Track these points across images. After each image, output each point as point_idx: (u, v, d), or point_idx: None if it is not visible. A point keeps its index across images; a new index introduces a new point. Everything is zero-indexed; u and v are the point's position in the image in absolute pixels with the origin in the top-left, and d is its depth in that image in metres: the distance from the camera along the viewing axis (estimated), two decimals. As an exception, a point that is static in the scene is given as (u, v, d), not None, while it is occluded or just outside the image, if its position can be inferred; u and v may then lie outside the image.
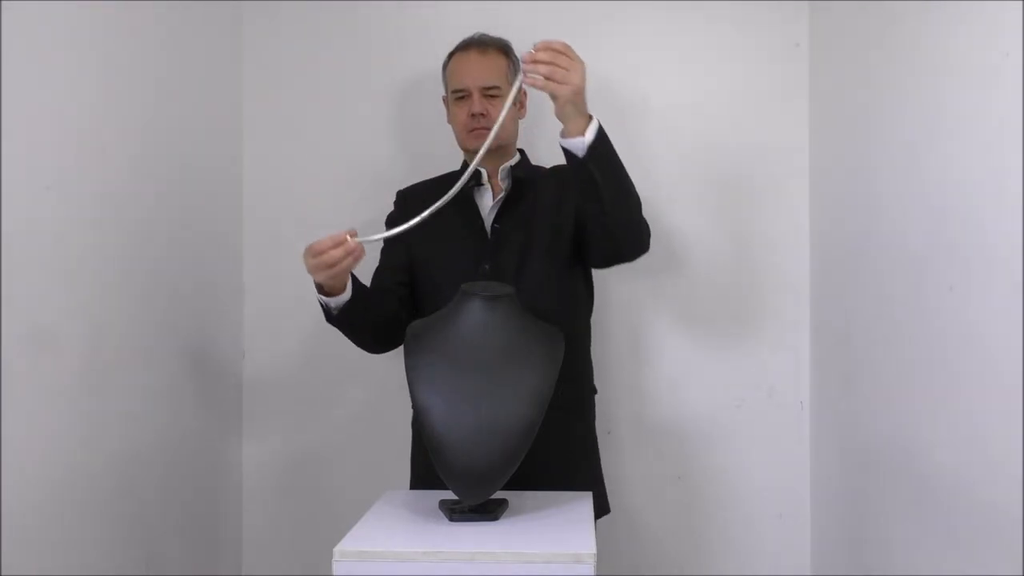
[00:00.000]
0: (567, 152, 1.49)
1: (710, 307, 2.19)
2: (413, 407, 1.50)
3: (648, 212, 1.70)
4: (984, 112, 1.38)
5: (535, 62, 1.42)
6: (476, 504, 1.38)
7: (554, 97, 1.44)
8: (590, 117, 1.48)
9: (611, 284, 2.13)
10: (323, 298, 1.55)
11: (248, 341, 2.23)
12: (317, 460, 2.22)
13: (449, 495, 1.42)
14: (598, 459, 1.79)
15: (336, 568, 1.23)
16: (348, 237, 1.43)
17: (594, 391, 1.82)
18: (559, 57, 1.42)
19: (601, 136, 1.48)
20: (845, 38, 1.98)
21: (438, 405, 1.39)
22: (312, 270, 1.46)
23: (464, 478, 1.36)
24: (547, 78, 1.41)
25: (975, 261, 1.41)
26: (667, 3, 2.18)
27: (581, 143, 1.46)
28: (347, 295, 1.54)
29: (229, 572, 2.15)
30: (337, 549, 1.24)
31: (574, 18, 2.18)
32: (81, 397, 1.54)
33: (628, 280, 2.16)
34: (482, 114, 1.70)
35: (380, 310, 1.65)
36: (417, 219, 1.43)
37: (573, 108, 1.45)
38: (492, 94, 1.72)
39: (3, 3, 1.33)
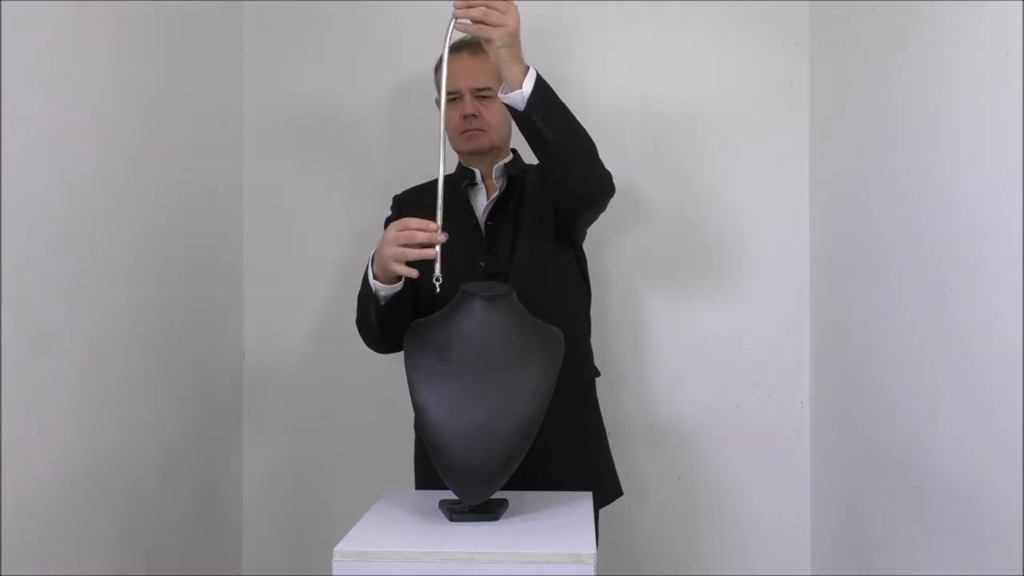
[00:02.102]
0: (511, 108, 1.49)
1: (710, 307, 2.19)
2: (413, 407, 1.50)
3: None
4: (984, 112, 1.38)
5: (468, 6, 1.41)
6: (476, 504, 1.38)
7: (487, 41, 1.43)
8: (527, 68, 1.47)
9: (612, 284, 2.13)
10: (376, 283, 1.53)
11: (248, 341, 2.23)
12: (317, 460, 2.22)
13: (450, 495, 1.42)
14: (606, 442, 1.79)
15: (336, 568, 1.23)
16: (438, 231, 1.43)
17: (596, 374, 1.82)
18: (496, 2, 1.41)
19: (540, 85, 1.47)
20: (845, 38, 1.98)
21: (438, 405, 1.39)
22: (392, 241, 1.44)
23: (464, 478, 1.36)
24: (480, 21, 1.41)
25: (975, 261, 1.41)
26: (667, 3, 2.18)
27: (520, 96, 1.46)
28: (399, 284, 1.53)
29: (229, 572, 2.15)
30: (337, 549, 1.24)
31: (573, 18, 2.18)
32: (81, 396, 1.55)
33: (629, 280, 2.16)
34: (474, 115, 1.70)
35: (412, 308, 1.65)
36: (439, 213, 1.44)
37: (507, 52, 1.44)
38: (484, 95, 1.72)
39: (3, 3, 1.33)
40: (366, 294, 1.56)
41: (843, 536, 1.99)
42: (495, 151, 1.76)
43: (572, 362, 1.58)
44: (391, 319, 1.57)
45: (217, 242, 2.12)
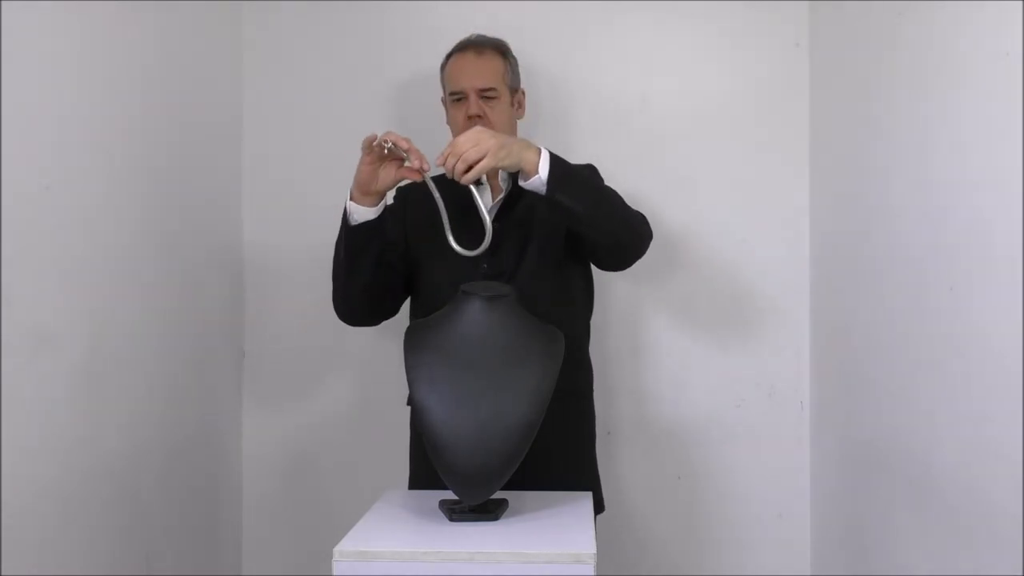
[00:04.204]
0: (535, 193, 1.51)
1: (710, 307, 2.19)
2: (413, 407, 1.50)
3: (648, 213, 1.70)
4: (984, 112, 1.38)
5: (452, 167, 1.45)
6: (476, 504, 1.38)
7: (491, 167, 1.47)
8: (539, 151, 1.49)
9: (612, 284, 2.13)
10: (352, 204, 1.57)
11: (248, 341, 2.23)
12: (317, 460, 2.22)
13: (449, 495, 1.42)
14: (594, 458, 1.80)
15: (336, 568, 1.23)
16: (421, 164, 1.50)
17: (592, 390, 1.82)
18: (457, 147, 1.45)
19: (555, 166, 1.49)
20: (845, 38, 1.98)
21: (438, 405, 1.39)
22: (370, 142, 1.50)
23: (464, 478, 1.36)
24: (469, 168, 1.45)
25: (975, 261, 1.41)
26: (666, 3, 2.18)
27: (539, 180, 1.48)
28: (375, 212, 1.58)
29: (229, 572, 2.15)
30: (337, 549, 1.24)
31: (573, 18, 2.18)
32: (81, 397, 1.54)
33: (629, 280, 2.16)
34: (479, 116, 1.70)
35: (385, 260, 1.66)
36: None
37: (511, 160, 1.47)
38: (489, 95, 1.72)
39: (3, 3, 1.33)
40: (340, 229, 1.61)
41: (843, 536, 1.99)
42: None
43: (572, 363, 1.58)
44: (361, 250, 1.60)
45: (217, 242, 2.12)
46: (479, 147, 1.45)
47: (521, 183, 1.51)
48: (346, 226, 1.60)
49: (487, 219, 1.51)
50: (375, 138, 1.51)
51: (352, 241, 1.60)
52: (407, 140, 1.51)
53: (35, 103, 1.42)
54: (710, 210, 2.17)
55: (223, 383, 2.14)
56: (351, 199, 1.58)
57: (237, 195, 2.22)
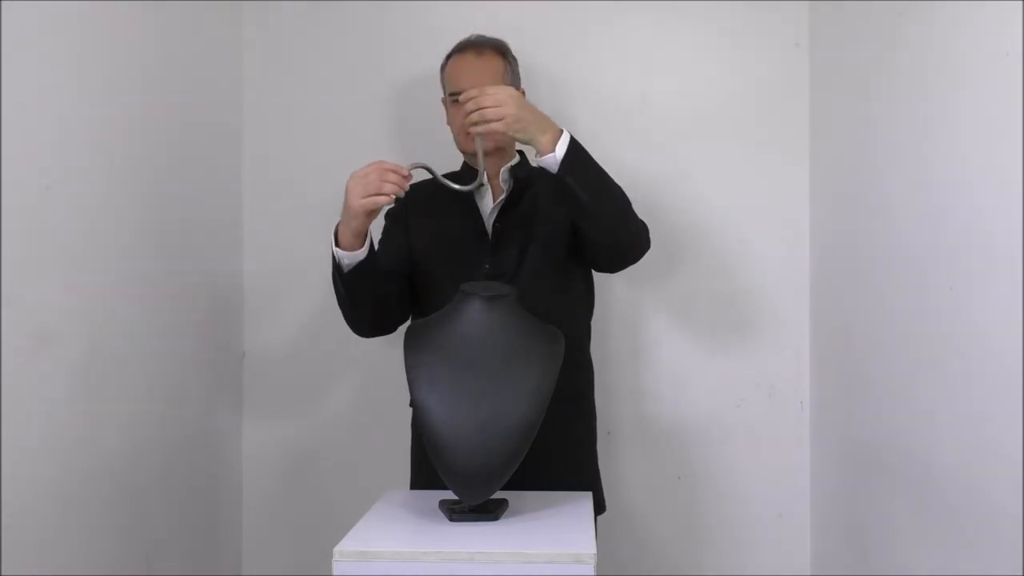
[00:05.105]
0: (543, 172, 1.53)
1: (710, 307, 2.19)
2: (413, 407, 1.50)
3: (648, 213, 1.71)
4: (984, 112, 1.38)
5: (467, 114, 1.49)
6: (476, 504, 1.39)
7: (502, 132, 1.50)
8: (561, 131, 1.51)
9: (612, 284, 2.13)
10: (339, 251, 1.55)
11: (248, 341, 2.23)
12: (317, 460, 2.22)
13: (449, 495, 1.42)
14: (595, 458, 1.80)
15: (336, 568, 1.23)
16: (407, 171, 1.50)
17: (592, 391, 1.82)
18: (482, 98, 1.48)
19: (572, 149, 1.50)
20: (845, 38, 1.98)
21: (438, 405, 1.39)
22: (355, 189, 1.49)
23: (464, 478, 1.36)
24: (479, 122, 1.48)
25: (975, 261, 1.41)
26: (666, 3, 2.18)
27: (553, 159, 1.50)
28: (363, 252, 1.56)
29: (229, 572, 2.15)
30: (337, 549, 1.24)
31: (573, 18, 2.18)
32: (81, 397, 1.55)
33: (629, 280, 2.16)
34: None
35: (385, 283, 1.66)
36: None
37: (525, 133, 1.49)
38: None
39: (3, 3, 1.33)
40: (333, 268, 1.59)
41: (843, 536, 1.99)
42: (500, 152, 1.75)
43: (572, 363, 1.58)
44: (357, 287, 1.59)
45: (217, 243, 2.12)
46: (499, 110, 1.48)
47: (536, 158, 1.53)
48: (339, 271, 1.58)
49: (481, 164, 1.56)
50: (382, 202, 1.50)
51: (348, 282, 1.59)
52: (377, 172, 1.50)
53: (35, 103, 1.42)
54: (710, 210, 2.17)
55: (223, 383, 2.14)
56: (337, 246, 1.56)
57: (237, 195, 2.22)
